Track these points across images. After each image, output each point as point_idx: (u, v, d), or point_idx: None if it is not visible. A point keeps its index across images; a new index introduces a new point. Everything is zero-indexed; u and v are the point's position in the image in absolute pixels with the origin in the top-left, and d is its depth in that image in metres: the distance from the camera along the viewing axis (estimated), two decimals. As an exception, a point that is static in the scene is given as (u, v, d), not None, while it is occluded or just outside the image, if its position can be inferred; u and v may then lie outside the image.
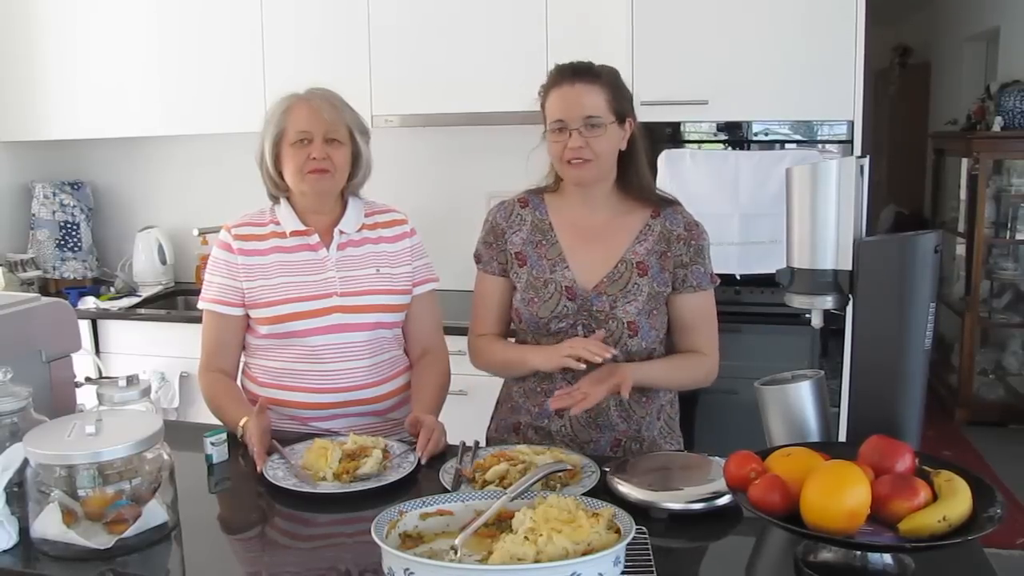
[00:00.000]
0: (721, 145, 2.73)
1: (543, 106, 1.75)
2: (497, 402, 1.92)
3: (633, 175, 1.77)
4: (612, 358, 1.63)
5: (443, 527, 1.24)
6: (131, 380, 1.54)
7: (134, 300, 3.39)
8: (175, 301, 3.55)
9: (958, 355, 4.68)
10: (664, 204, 1.79)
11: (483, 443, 1.68)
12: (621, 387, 1.60)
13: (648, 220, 1.77)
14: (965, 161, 4.77)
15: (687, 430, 1.94)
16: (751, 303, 2.68)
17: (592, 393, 1.59)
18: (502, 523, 1.20)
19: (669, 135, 2.71)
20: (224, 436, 1.65)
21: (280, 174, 1.84)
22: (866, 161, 1.44)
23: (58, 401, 1.61)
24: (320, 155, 1.79)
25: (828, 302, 1.44)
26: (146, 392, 1.55)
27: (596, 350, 1.59)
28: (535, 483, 1.28)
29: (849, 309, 1.42)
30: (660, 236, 1.75)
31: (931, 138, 6.09)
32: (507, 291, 1.83)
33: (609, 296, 1.72)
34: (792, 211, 1.45)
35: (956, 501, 1.11)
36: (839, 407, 2.52)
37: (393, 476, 1.52)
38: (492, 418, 1.93)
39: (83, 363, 3.02)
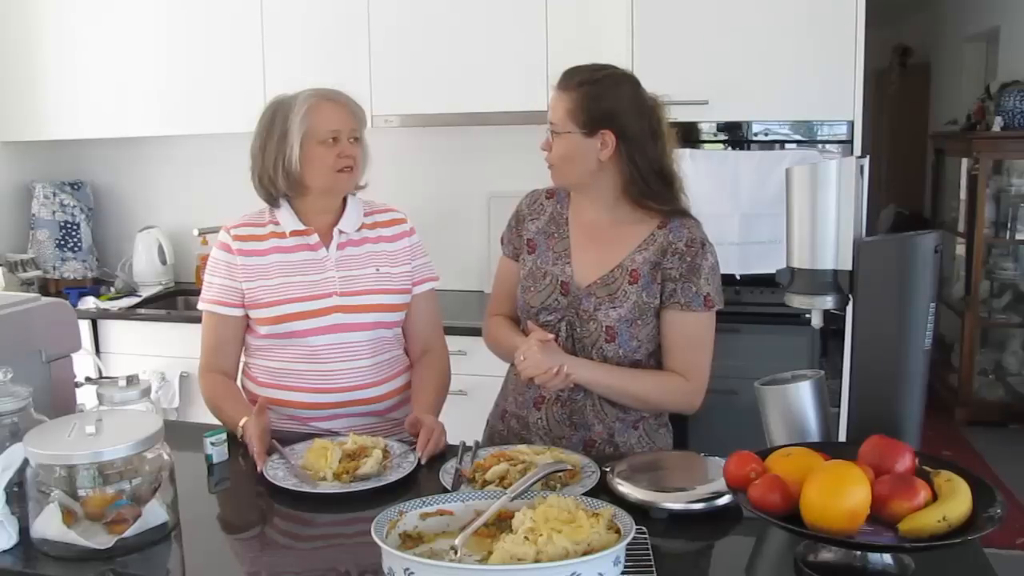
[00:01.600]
0: (721, 145, 2.73)
1: None
2: (501, 386, 1.94)
3: (628, 185, 1.71)
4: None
5: (443, 527, 1.24)
6: (131, 380, 1.54)
7: (134, 300, 3.39)
8: (175, 301, 3.55)
9: (958, 355, 4.68)
10: (676, 217, 1.74)
11: (485, 428, 1.68)
12: (560, 374, 1.62)
13: (654, 230, 1.74)
14: (965, 161, 4.77)
15: (684, 430, 1.94)
16: (751, 303, 2.68)
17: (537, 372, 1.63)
18: (502, 523, 1.20)
19: (676, 135, 2.70)
20: (224, 436, 1.65)
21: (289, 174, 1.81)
22: (866, 161, 1.44)
23: (58, 401, 1.61)
24: (350, 153, 1.81)
25: (828, 302, 1.44)
26: (146, 392, 1.54)
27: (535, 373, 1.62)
28: (535, 483, 1.28)
29: (849, 309, 1.42)
30: (660, 247, 1.72)
31: (931, 138, 6.09)
32: (519, 275, 1.85)
33: (597, 298, 1.72)
34: (792, 211, 1.45)
35: (956, 501, 1.11)
36: (839, 407, 2.52)
37: (393, 476, 1.52)
38: (495, 403, 1.94)
39: (83, 363, 3.03)
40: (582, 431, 1.75)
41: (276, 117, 1.82)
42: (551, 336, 1.68)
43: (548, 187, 1.86)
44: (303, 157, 1.79)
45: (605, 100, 1.67)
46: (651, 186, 1.71)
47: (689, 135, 2.71)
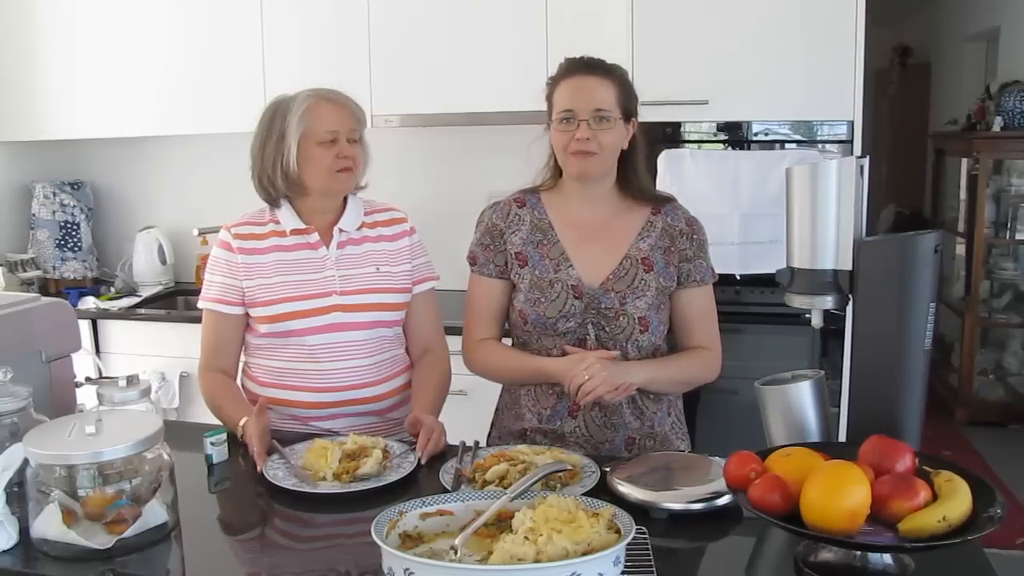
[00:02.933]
0: (721, 145, 2.73)
1: (549, 97, 1.75)
2: (497, 408, 1.91)
3: (632, 174, 1.78)
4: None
5: (443, 527, 1.24)
6: (131, 380, 1.54)
7: (134, 300, 3.39)
8: (175, 301, 3.55)
9: (958, 355, 4.68)
10: (663, 201, 1.81)
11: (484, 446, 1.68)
12: (630, 388, 1.66)
13: (649, 217, 1.78)
14: (965, 161, 4.77)
15: (689, 430, 1.94)
16: (751, 303, 2.68)
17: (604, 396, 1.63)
18: (502, 523, 1.20)
19: (669, 135, 2.71)
20: (224, 436, 1.65)
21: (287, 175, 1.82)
22: (866, 161, 1.44)
23: (58, 401, 1.61)
24: (349, 153, 1.80)
25: (828, 302, 1.44)
26: (146, 392, 1.54)
27: (604, 392, 1.61)
28: (535, 483, 1.28)
29: (849, 309, 1.42)
30: (663, 232, 1.76)
31: (931, 138, 6.09)
32: (504, 293, 1.82)
33: (618, 293, 1.72)
34: (792, 211, 1.45)
35: (956, 501, 1.11)
36: (839, 407, 2.52)
37: (393, 476, 1.52)
38: (493, 425, 1.91)
39: (83, 363, 3.02)
40: (622, 431, 1.76)
41: (275, 117, 1.82)
42: (615, 353, 1.69)
43: (514, 195, 1.85)
44: (301, 157, 1.79)
45: (632, 88, 1.75)
46: (646, 172, 1.80)
47: (689, 135, 2.72)
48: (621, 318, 1.71)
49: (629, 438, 1.76)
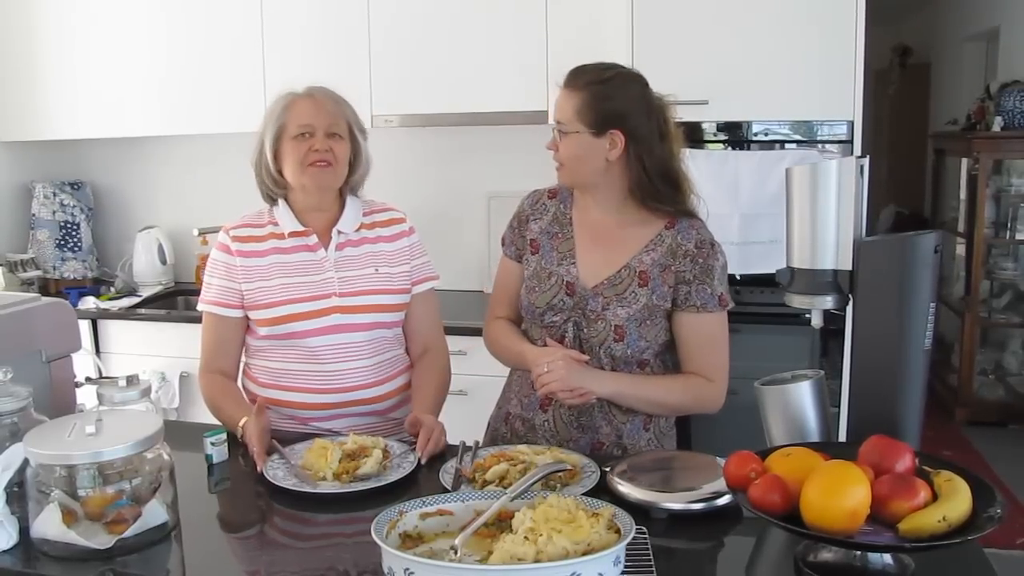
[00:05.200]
0: (721, 145, 2.73)
1: None
2: (503, 388, 1.93)
3: (635, 186, 1.71)
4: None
5: (443, 527, 1.24)
6: (131, 380, 1.54)
7: (134, 300, 3.39)
8: (175, 301, 3.55)
9: (958, 355, 4.68)
10: (682, 217, 1.74)
11: (486, 430, 1.68)
12: (585, 395, 1.65)
13: (661, 231, 1.73)
14: (965, 161, 4.77)
15: (686, 430, 1.94)
16: (751, 303, 2.68)
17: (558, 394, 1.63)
18: (502, 523, 1.20)
19: (687, 136, 2.70)
20: (224, 436, 1.65)
21: (279, 172, 1.84)
22: (866, 161, 1.44)
23: (58, 401, 1.61)
24: (323, 147, 1.80)
25: (828, 302, 1.44)
26: (146, 392, 1.54)
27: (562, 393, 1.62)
28: (535, 483, 1.28)
29: (849, 309, 1.42)
30: (668, 249, 1.71)
31: (931, 138, 6.09)
32: (522, 277, 1.84)
33: (605, 299, 1.71)
34: (792, 211, 1.45)
35: (956, 501, 1.11)
36: (839, 407, 2.52)
37: (393, 476, 1.52)
38: (496, 405, 1.93)
39: (83, 363, 3.02)
40: (590, 433, 1.75)
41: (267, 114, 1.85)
42: (585, 356, 1.67)
43: (550, 187, 1.85)
44: (279, 153, 1.82)
45: (614, 100, 1.67)
46: (658, 187, 1.70)
47: (690, 135, 2.71)
48: (599, 323, 1.70)
49: (597, 442, 1.74)
